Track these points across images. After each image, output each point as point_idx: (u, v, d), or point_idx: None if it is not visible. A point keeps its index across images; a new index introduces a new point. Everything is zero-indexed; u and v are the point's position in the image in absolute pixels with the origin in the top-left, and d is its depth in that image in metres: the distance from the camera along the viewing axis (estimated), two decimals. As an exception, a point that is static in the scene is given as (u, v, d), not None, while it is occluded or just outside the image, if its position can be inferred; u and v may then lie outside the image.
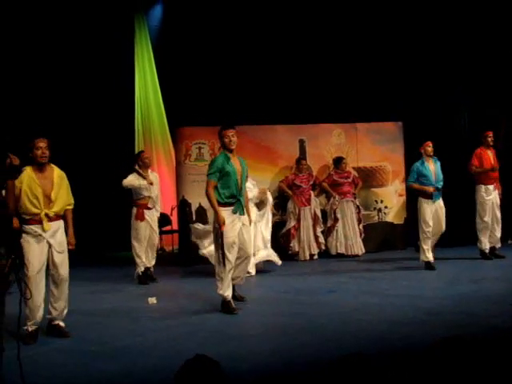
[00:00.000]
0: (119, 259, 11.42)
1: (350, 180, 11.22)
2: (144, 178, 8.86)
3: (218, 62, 12.25)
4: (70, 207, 6.13)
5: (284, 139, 11.60)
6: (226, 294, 6.79)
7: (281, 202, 11.17)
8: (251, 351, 5.34)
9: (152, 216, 8.99)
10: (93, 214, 11.58)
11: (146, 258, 8.98)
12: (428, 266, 9.21)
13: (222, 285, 6.77)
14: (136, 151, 12.27)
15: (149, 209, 8.95)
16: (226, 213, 6.69)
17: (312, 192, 11.10)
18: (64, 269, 6.00)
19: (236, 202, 6.74)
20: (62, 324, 6.14)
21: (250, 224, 7.10)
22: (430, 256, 9.20)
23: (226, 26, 12.22)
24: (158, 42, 12.58)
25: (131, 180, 8.86)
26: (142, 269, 8.94)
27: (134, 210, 8.90)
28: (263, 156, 11.10)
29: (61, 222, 5.98)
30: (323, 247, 11.16)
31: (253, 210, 9.03)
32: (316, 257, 11.02)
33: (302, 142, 11.65)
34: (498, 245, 10.08)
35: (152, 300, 7.49)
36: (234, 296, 7.07)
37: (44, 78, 11.74)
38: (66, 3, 11.38)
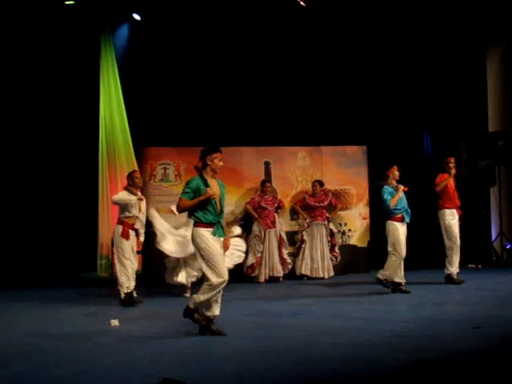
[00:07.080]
0: (86, 281, 11.29)
1: (324, 204, 11.25)
2: (134, 194, 8.80)
3: (184, 82, 12.23)
4: None
5: (249, 161, 11.63)
6: (197, 302, 6.48)
7: (247, 224, 11.13)
8: (216, 375, 5.26)
9: (134, 237, 8.82)
10: (59, 236, 11.35)
11: (127, 280, 8.66)
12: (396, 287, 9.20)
13: (202, 292, 6.47)
14: (100, 171, 12.14)
15: (134, 229, 8.81)
16: (206, 232, 6.51)
17: (276, 214, 11.12)
18: None
19: (215, 223, 6.56)
20: None
21: (225, 250, 6.79)
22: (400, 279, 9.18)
23: (191, 46, 12.22)
24: (124, 61, 12.49)
25: (121, 195, 8.82)
26: (126, 290, 8.65)
27: (119, 228, 8.71)
28: (228, 178, 10.92)
29: None
30: (289, 268, 11.17)
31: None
32: (281, 279, 11.01)
33: (267, 164, 11.69)
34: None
35: (114, 322, 7.35)
36: (211, 330, 6.61)
37: (5, 94, 11.60)
38: (31, 18, 11.28)
